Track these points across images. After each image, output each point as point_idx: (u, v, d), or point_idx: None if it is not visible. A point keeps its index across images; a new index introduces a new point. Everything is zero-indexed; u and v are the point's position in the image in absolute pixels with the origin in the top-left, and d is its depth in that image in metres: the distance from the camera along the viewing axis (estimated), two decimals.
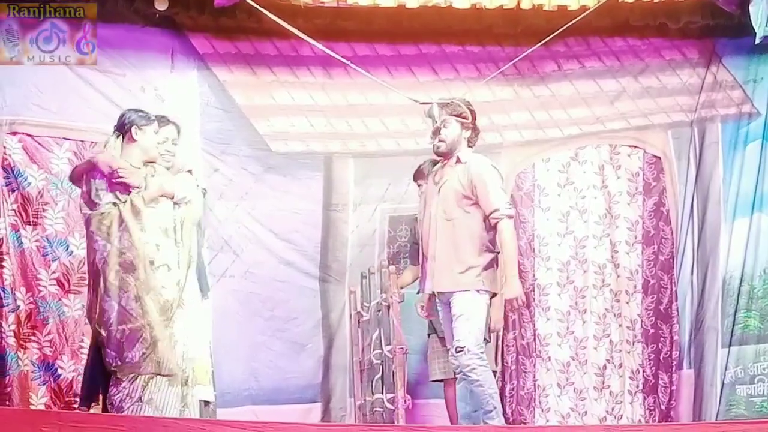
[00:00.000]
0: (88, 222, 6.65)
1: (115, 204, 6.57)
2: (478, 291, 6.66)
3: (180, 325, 6.60)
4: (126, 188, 6.60)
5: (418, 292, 7.28)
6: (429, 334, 7.68)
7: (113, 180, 6.58)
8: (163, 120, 7.00)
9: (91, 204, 6.61)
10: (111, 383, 6.51)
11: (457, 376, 6.92)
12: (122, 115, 6.78)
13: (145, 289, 6.51)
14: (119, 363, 6.48)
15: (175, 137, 7.06)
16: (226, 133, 8.08)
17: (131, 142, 6.70)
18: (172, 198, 6.71)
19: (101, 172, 6.61)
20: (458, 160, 6.84)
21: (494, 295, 6.85)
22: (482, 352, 6.66)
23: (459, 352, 6.60)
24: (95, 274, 6.59)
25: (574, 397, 8.28)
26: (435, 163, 7.14)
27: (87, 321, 6.81)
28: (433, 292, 6.85)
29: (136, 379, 6.47)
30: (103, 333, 6.51)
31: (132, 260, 6.52)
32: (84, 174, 6.69)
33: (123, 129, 6.73)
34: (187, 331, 6.64)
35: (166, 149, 6.99)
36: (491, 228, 6.74)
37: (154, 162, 6.79)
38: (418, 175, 7.70)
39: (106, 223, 6.56)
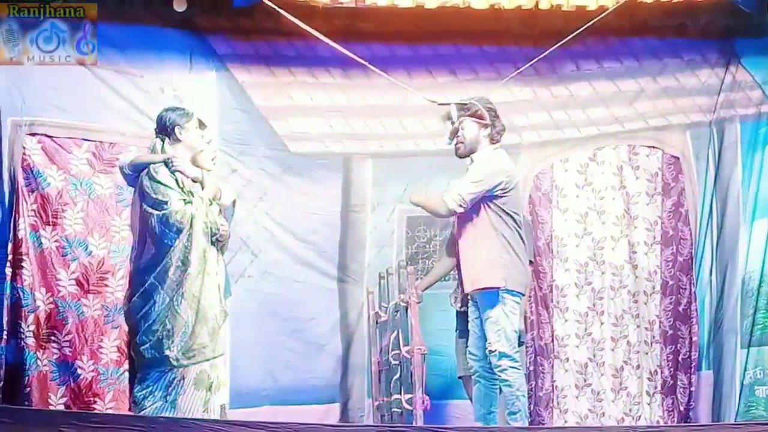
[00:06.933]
0: (154, 221, 6.54)
1: (186, 201, 6.54)
2: (503, 291, 6.65)
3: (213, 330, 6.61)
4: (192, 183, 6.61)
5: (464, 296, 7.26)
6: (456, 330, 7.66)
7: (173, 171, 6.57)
8: None
9: (158, 204, 6.52)
10: (135, 381, 6.54)
11: (472, 376, 6.94)
12: (161, 118, 6.75)
13: (190, 289, 6.50)
14: (158, 356, 6.47)
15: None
16: (244, 134, 8.09)
17: (177, 142, 6.69)
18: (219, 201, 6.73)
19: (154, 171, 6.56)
20: (472, 160, 6.88)
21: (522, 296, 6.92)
22: (516, 353, 6.69)
23: (491, 354, 6.65)
24: (154, 268, 6.54)
25: (591, 398, 8.26)
26: None
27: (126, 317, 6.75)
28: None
29: (161, 378, 6.46)
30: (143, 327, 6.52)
31: (189, 258, 6.50)
32: (140, 178, 6.62)
33: (166, 131, 6.70)
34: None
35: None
36: (513, 227, 6.75)
37: (201, 160, 6.79)
38: None
39: (180, 219, 6.49)
